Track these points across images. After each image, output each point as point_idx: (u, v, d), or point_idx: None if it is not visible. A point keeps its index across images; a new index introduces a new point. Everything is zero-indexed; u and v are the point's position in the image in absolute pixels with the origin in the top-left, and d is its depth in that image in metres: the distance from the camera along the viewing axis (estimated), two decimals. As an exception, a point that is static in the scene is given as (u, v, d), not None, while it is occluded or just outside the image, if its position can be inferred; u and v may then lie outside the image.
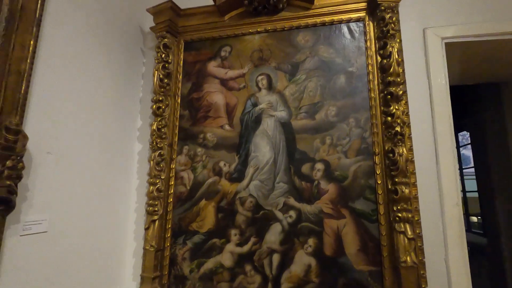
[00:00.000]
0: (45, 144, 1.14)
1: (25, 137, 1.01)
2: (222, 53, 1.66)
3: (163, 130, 1.58)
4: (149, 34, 1.79)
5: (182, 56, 1.69)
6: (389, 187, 1.27)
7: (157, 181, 1.54)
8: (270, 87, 1.55)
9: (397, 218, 1.22)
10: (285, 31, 1.58)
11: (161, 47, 1.64)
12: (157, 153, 1.55)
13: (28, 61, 1.05)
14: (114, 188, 1.54)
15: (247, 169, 1.48)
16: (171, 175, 1.57)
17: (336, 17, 1.51)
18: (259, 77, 1.57)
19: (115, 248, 1.53)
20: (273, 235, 1.38)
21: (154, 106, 1.59)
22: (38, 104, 1.11)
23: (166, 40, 1.64)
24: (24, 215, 1.06)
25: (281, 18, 1.59)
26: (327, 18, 1.52)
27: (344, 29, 1.50)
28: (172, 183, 1.56)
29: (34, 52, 1.07)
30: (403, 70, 1.35)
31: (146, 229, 1.51)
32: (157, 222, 1.49)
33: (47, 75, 1.15)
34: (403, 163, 1.23)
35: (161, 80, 1.61)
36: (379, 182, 1.30)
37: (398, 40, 1.37)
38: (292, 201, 1.39)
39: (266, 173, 1.46)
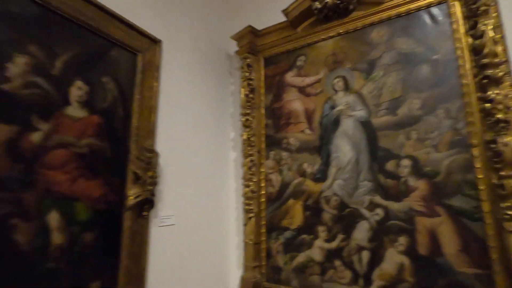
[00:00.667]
0: (170, 158, 1.51)
1: (158, 155, 1.38)
2: (298, 63, 1.79)
3: (251, 139, 1.82)
4: (234, 57, 2.08)
5: (263, 72, 1.91)
6: (494, 181, 1.14)
7: (250, 183, 1.78)
8: (347, 88, 1.59)
9: (506, 216, 1.08)
10: (358, 30, 1.59)
11: (245, 67, 1.89)
12: (248, 159, 1.80)
13: (154, 98, 1.43)
14: (217, 190, 1.87)
15: (330, 169, 1.56)
16: (261, 177, 1.79)
17: (413, 5, 1.44)
18: (335, 80, 1.63)
19: (221, 240, 1.85)
20: (361, 233, 1.42)
21: (243, 118, 1.85)
22: (163, 129, 1.48)
23: (248, 60, 1.89)
24: (160, 212, 1.44)
25: (353, 18, 1.61)
26: (402, 9, 1.46)
27: (424, 15, 1.41)
28: (263, 184, 1.78)
29: (157, 91, 1.45)
30: (505, 48, 1.19)
31: (245, 225, 1.76)
32: (253, 219, 1.73)
33: (167, 107, 1.53)
34: (509, 153, 1.09)
35: (246, 95, 1.86)
36: (480, 177, 1.18)
37: (493, 15, 1.21)
38: (378, 199, 1.40)
39: (348, 172, 1.50)
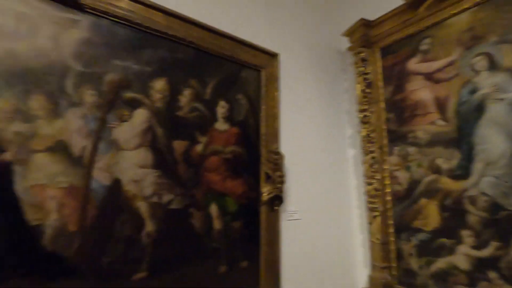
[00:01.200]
0: (293, 159, 1.66)
1: (283, 156, 1.56)
2: (422, 47, 1.61)
3: (371, 135, 1.76)
4: (346, 53, 2.05)
5: (379, 64, 1.81)
6: None
7: (373, 181, 1.73)
8: (493, 66, 1.32)
9: None
10: (506, -7, 1.30)
11: (359, 62, 1.85)
12: (369, 156, 1.75)
13: (276, 106, 1.61)
14: (338, 188, 1.91)
15: (473, 164, 1.34)
16: (385, 175, 1.70)
17: None
18: (475, 59, 1.38)
19: (345, 237, 1.87)
20: (526, 241, 1.16)
21: (361, 115, 1.82)
22: (286, 133, 1.65)
23: (362, 54, 1.84)
24: (288, 207, 1.61)
25: (497, -20, 1.32)
26: None
27: None
28: (388, 182, 1.69)
29: (278, 100, 1.63)
30: None
31: (370, 223, 1.73)
32: (378, 217, 1.67)
33: (287, 112, 1.69)
34: None
35: (363, 91, 1.81)
36: None
37: None
38: (552, 200, 1.11)
39: (502, 168, 1.25)
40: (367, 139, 1.78)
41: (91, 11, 1.07)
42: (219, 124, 1.37)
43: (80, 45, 1.04)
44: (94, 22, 1.08)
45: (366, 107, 1.79)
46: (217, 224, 1.29)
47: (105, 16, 1.10)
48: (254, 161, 1.49)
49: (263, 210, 1.47)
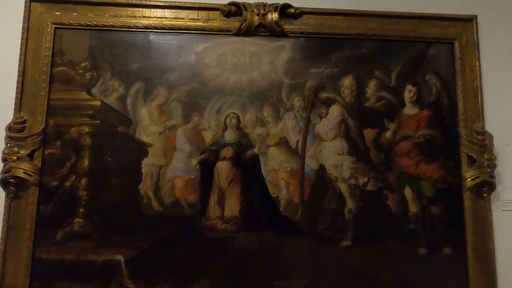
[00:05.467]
0: (505, 138, 1.39)
1: (491, 136, 1.34)
2: None
3: None
4: None
5: None
6: None
7: None
8: None
9: None
10: None
11: None
12: None
13: (477, 79, 1.39)
14: None
15: None
16: None
17: None
18: None
19: None
20: None
21: None
22: (491, 109, 1.40)
23: None
24: (502, 195, 1.37)
25: None
26: None
27: None
28: None
29: (478, 72, 1.40)
30: None
31: None
32: None
33: (491, 86, 1.42)
34: None
35: None
36: None
37: None
38: None
39: None
40: None
41: (292, 35, 1.38)
42: (408, 109, 1.37)
43: (287, 64, 1.37)
44: (293, 43, 1.38)
45: None
46: (412, 207, 1.32)
47: (300, 35, 1.38)
48: (451, 144, 1.37)
49: (467, 196, 1.34)
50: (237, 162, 1.31)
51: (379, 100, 1.36)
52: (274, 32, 1.36)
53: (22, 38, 1.32)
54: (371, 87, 1.37)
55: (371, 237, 1.30)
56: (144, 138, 1.30)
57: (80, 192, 1.26)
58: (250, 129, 1.33)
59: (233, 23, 1.37)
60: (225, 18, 1.38)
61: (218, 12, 1.38)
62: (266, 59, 1.37)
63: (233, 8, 1.37)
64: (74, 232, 1.24)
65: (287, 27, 1.37)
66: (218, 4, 1.38)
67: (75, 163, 1.27)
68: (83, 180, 1.27)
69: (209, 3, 1.39)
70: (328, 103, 1.36)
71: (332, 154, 1.33)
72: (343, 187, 1.31)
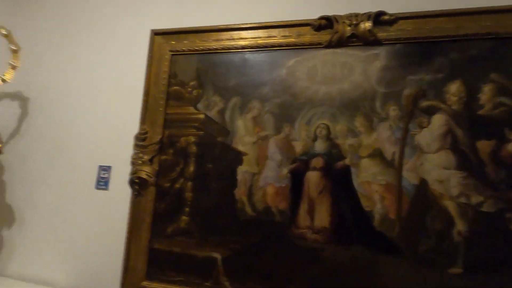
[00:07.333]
0: None
1: None
2: None
3: None
4: None
5: None
6: None
7: None
8: None
9: None
10: None
11: None
12: None
13: None
14: None
15: None
16: None
17: None
18: None
19: None
20: None
21: None
22: None
23: None
24: None
25: None
26: None
27: None
28: None
29: None
30: None
31: None
32: None
33: None
34: None
35: None
36: None
37: None
38: None
39: None
40: None
41: (386, 42, 1.32)
42: (539, 116, 1.15)
43: (381, 72, 1.32)
44: (388, 50, 1.33)
45: None
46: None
47: (396, 42, 1.32)
48: None
49: None
50: (327, 172, 1.31)
51: (497, 107, 1.18)
52: (367, 41, 1.33)
53: (147, 64, 1.63)
54: (486, 92, 1.19)
55: (488, 266, 1.11)
56: (240, 147, 1.42)
57: (186, 194, 1.45)
58: (341, 139, 1.32)
59: (324, 36, 1.40)
60: (316, 32, 1.42)
61: (308, 27, 1.44)
62: (358, 69, 1.35)
63: (323, 21, 1.41)
64: (180, 229, 1.43)
65: (381, 34, 1.33)
66: (308, 19, 1.44)
67: (183, 168, 1.47)
68: (189, 184, 1.45)
69: (300, 20, 1.46)
70: (430, 111, 1.24)
71: (436, 168, 1.20)
72: (450, 206, 1.17)
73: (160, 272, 1.41)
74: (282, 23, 1.47)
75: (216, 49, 1.54)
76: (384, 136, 1.27)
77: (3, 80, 1.61)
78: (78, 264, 1.58)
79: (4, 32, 1.60)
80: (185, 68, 1.57)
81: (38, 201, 1.71)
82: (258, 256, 1.32)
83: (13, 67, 1.63)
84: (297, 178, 1.34)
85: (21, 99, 1.85)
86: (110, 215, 1.58)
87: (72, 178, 1.69)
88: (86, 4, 1.89)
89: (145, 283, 1.41)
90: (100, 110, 1.71)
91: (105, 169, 1.63)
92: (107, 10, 1.84)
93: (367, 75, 1.33)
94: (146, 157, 1.50)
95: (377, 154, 1.27)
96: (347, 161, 1.30)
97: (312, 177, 1.32)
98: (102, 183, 1.62)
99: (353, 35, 1.35)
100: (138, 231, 1.47)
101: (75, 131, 1.73)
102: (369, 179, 1.26)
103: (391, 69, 1.31)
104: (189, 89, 1.54)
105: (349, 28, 1.35)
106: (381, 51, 1.33)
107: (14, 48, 1.63)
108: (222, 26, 1.56)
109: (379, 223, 1.22)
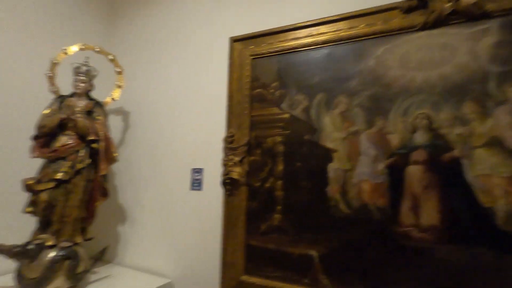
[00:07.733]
0: None
1: None
2: None
3: None
4: None
5: None
6: None
7: None
8: None
9: None
10: None
11: None
12: None
13: None
14: None
15: None
16: None
17: None
18: None
19: None
20: None
21: None
22: None
23: None
24: None
25: None
26: None
27: None
28: None
29: None
30: None
31: None
32: None
33: None
34: None
35: None
36: None
37: None
38: None
39: None
40: None
41: (497, 14, 1.15)
42: None
43: (493, 49, 1.15)
44: (502, 23, 1.15)
45: None
46: None
47: (511, 12, 1.14)
48: None
49: None
50: (432, 166, 1.20)
51: None
52: (472, 16, 1.18)
53: (228, 70, 1.72)
54: None
55: None
56: (329, 144, 1.40)
57: (277, 192, 1.49)
58: (446, 129, 1.19)
59: (417, 18, 1.28)
60: (405, 15, 1.32)
61: (396, 11, 1.34)
62: (462, 49, 1.20)
63: (414, 2, 1.29)
64: (274, 226, 1.47)
65: (490, 6, 1.16)
66: (395, 2, 1.34)
67: (272, 168, 1.51)
68: (279, 182, 1.49)
69: (385, 4, 1.36)
70: None
71: None
72: None
73: (257, 268, 1.48)
74: (364, 11, 1.40)
75: (296, 47, 1.54)
76: (503, 122, 1.11)
77: (113, 99, 1.88)
78: (181, 257, 1.76)
79: (111, 57, 1.87)
80: (266, 70, 1.60)
81: (144, 202, 1.96)
82: (357, 254, 1.28)
83: (119, 87, 1.89)
84: (395, 173, 1.26)
85: (123, 114, 2.14)
86: (205, 214, 1.72)
87: (170, 181, 1.88)
88: (168, 22, 2.08)
89: (244, 277, 1.49)
90: (190, 118, 1.86)
91: (198, 171, 1.77)
92: (186, 24, 2.00)
93: (475, 54, 1.17)
94: (236, 159, 1.58)
95: (496, 143, 1.11)
96: (456, 152, 1.17)
97: (414, 172, 1.22)
98: (196, 184, 1.77)
99: (453, 12, 1.21)
100: (233, 228, 1.57)
101: (169, 139, 1.93)
102: (487, 172, 1.11)
103: (508, 44, 1.13)
104: (272, 90, 1.57)
105: (448, 4, 1.21)
106: (492, 24, 1.16)
107: (119, 70, 1.88)
108: (299, 24, 1.55)
109: (505, 221, 1.07)
